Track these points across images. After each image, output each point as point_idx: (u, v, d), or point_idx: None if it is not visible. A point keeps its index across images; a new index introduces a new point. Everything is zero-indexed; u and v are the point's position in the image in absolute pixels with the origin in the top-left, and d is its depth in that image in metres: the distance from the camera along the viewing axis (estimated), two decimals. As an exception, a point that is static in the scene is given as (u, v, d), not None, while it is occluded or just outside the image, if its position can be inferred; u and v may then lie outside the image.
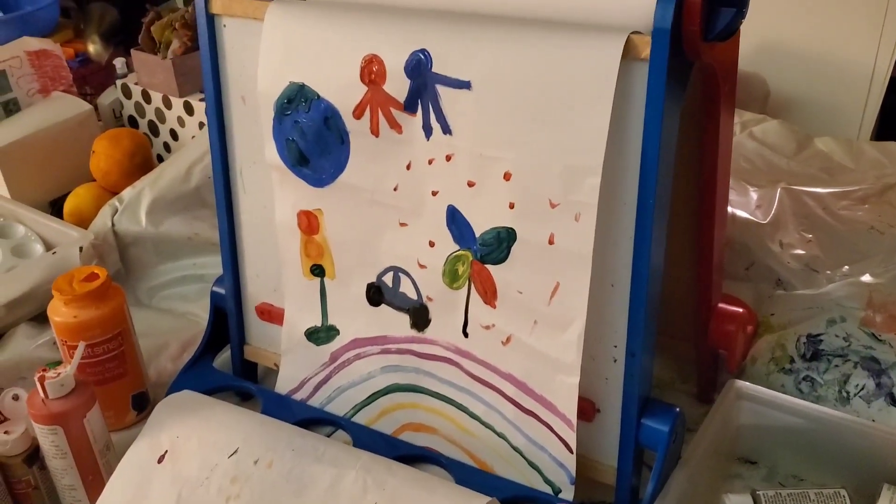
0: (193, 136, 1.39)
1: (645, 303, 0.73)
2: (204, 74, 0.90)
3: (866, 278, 0.98)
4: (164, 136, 1.46)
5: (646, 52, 0.66)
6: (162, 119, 1.44)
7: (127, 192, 1.20)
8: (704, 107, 0.77)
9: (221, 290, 1.01)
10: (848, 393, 0.89)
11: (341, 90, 0.80)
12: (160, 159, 1.44)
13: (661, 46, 0.65)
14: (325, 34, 0.80)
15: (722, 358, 0.96)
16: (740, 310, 0.92)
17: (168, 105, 1.41)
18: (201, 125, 1.38)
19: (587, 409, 0.80)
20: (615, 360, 0.77)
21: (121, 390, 0.98)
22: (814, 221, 1.08)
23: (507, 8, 0.75)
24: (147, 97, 1.44)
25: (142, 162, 1.31)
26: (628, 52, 0.67)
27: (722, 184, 0.83)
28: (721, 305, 0.92)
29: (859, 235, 1.05)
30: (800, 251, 1.05)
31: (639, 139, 0.69)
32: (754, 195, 1.13)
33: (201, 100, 1.37)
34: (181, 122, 1.41)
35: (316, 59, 0.80)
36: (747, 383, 0.89)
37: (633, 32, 0.67)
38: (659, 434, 0.78)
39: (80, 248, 1.13)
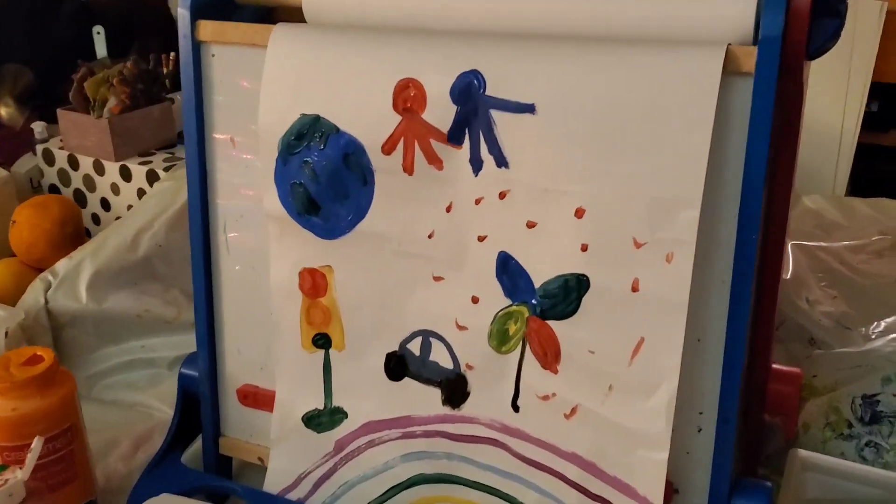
0: (130, 206, 1.23)
1: (742, 359, 0.63)
2: (185, 113, 0.77)
3: (908, 333, 0.91)
4: (94, 206, 1.29)
5: (749, 64, 0.58)
6: (91, 187, 1.27)
7: (62, 265, 1.03)
8: (780, 139, 0.69)
9: (193, 372, 0.85)
10: (919, 458, 0.81)
11: (368, 121, 0.68)
12: (88, 234, 1.26)
13: (771, 57, 0.57)
14: (347, 57, 0.68)
15: (770, 425, 0.86)
16: (797, 370, 0.82)
17: (100, 171, 1.25)
18: (141, 192, 1.22)
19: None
20: (700, 430, 0.66)
21: (69, 500, 0.79)
22: (834, 276, 1.02)
23: (562, 26, 0.65)
24: (74, 162, 1.27)
25: (73, 232, 1.14)
26: (727, 66, 0.58)
27: (785, 223, 0.75)
28: (776, 366, 0.83)
29: (884, 289, 0.99)
30: (829, 308, 0.98)
31: (739, 165, 0.60)
32: (764, 252, 1.06)
33: (142, 163, 1.22)
34: (115, 189, 1.25)
35: (335, 87, 0.69)
36: (813, 453, 0.79)
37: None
38: (754, 515, 0.66)
39: (6, 332, 0.95)
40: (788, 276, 1.01)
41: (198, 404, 0.85)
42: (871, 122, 1.51)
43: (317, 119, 0.69)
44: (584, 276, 0.63)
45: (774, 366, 0.83)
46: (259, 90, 0.72)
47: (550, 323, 0.66)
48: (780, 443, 0.86)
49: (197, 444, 0.88)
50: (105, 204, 1.28)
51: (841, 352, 0.92)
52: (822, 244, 1.07)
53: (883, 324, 0.95)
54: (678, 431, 0.66)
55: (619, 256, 0.62)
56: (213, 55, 0.75)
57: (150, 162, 1.23)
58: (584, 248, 0.63)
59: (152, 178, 1.20)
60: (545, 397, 0.68)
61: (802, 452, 0.80)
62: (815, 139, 1.43)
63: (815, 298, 0.99)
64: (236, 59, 0.75)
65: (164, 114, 1.29)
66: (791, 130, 0.70)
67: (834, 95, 1.43)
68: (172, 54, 1.43)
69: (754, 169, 0.59)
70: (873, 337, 0.94)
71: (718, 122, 0.58)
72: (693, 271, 0.61)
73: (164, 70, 1.39)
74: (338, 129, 0.69)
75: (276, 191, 0.73)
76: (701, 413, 0.66)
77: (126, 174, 1.23)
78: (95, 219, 1.30)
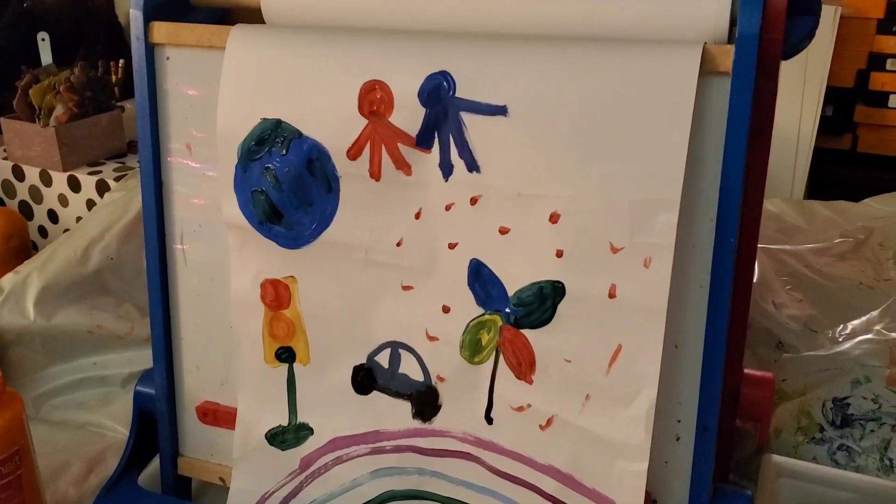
0: (79, 218, 1.18)
1: (721, 365, 0.61)
2: (139, 119, 0.73)
3: (875, 335, 0.91)
4: (40, 218, 1.24)
5: (726, 63, 0.57)
6: (38, 198, 1.22)
7: (7, 280, 0.98)
8: (754, 140, 0.68)
9: (149, 390, 0.81)
10: (891, 460, 0.81)
11: (332, 125, 0.65)
12: (35, 247, 1.21)
13: (748, 55, 0.56)
14: (309, 59, 0.66)
15: (740, 431, 0.86)
16: (770, 374, 0.82)
17: (47, 181, 1.20)
18: (90, 204, 1.17)
19: (641, 502, 0.66)
20: (678, 439, 0.65)
21: (17, 529, 0.75)
22: (800, 280, 1.02)
23: (535, 26, 0.63)
24: (19, 173, 1.22)
25: (19, 245, 1.10)
26: (703, 66, 0.57)
27: (757, 225, 0.74)
28: (748, 371, 0.82)
29: (849, 292, 1.00)
30: (795, 311, 0.97)
31: (717, 166, 0.58)
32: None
33: (92, 173, 1.17)
34: (63, 200, 1.20)
35: (297, 90, 0.66)
36: (787, 458, 0.79)
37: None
38: (735, 524, 0.65)
39: (-52, 350, 0.90)
40: (756, 281, 1.01)
41: (154, 423, 0.81)
42: (826, 126, 1.52)
43: (278, 123, 0.66)
44: (559, 283, 0.62)
45: (746, 370, 0.83)
46: (217, 94, 0.69)
47: (525, 332, 0.64)
48: (750, 449, 0.85)
49: (154, 466, 0.84)
50: (52, 216, 1.23)
51: (809, 355, 0.91)
52: (786, 247, 1.07)
53: (850, 326, 0.95)
54: (656, 440, 0.64)
55: (596, 262, 0.60)
56: (168, 58, 0.72)
57: (100, 172, 1.19)
58: (560, 254, 0.61)
59: (102, 188, 1.16)
60: (520, 408, 0.66)
61: (776, 458, 0.79)
62: (773, 143, 1.43)
63: (781, 302, 0.98)
64: (192, 62, 0.71)
65: (114, 122, 1.25)
66: (764, 131, 0.69)
67: (790, 100, 1.44)
68: (122, 62, 1.38)
69: (732, 170, 0.58)
70: (840, 339, 0.94)
71: (695, 123, 0.57)
72: (671, 276, 0.59)
73: (114, 78, 1.34)
74: (300, 134, 0.66)
75: (237, 199, 0.70)
76: (679, 421, 0.64)
77: (74, 185, 1.18)
78: (42, 231, 1.25)
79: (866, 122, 1.56)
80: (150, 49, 0.72)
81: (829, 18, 1.44)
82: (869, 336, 0.91)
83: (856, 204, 1.22)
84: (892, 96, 1.53)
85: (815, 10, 0.59)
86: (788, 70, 1.45)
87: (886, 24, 1.52)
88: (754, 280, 1.01)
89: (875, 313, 0.96)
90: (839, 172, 1.55)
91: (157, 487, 0.83)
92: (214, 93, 0.69)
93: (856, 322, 0.95)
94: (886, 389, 0.85)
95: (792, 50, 0.60)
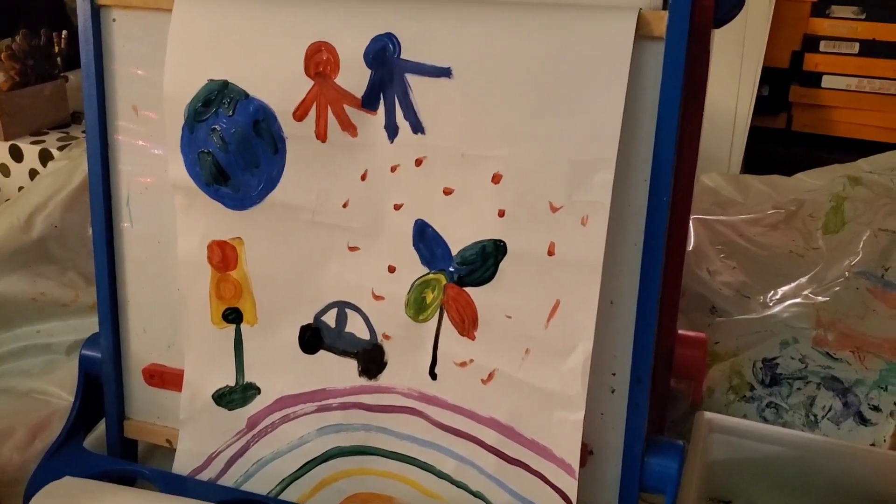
0: (21, 188, 1.17)
1: (654, 320, 0.64)
2: (85, 81, 0.73)
3: (804, 299, 0.95)
4: (-20, 188, 1.22)
5: (660, 28, 0.59)
6: (-23, 168, 1.20)
7: (-52, 247, 0.97)
8: (687, 105, 0.71)
9: (95, 353, 0.81)
10: (815, 416, 0.85)
11: (278, 86, 0.66)
12: (-26, 217, 1.19)
13: (680, 21, 0.58)
14: (256, 20, 0.66)
15: (675, 391, 0.89)
16: (703, 335, 0.85)
17: (-13, 151, 1.18)
18: (33, 173, 1.16)
19: (578, 453, 0.69)
20: (613, 391, 0.67)
21: (-39, 490, 0.75)
22: (733, 248, 1.06)
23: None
24: (-42, 142, 1.20)
25: (-41, 214, 1.08)
26: (639, 30, 0.59)
27: (691, 189, 0.77)
28: (682, 332, 0.85)
29: (780, 259, 1.04)
30: (728, 278, 1.01)
31: (651, 129, 0.61)
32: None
33: (34, 142, 1.16)
34: (5, 170, 1.19)
35: (244, 51, 0.67)
36: (718, 415, 0.82)
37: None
38: (667, 473, 0.68)
39: None
40: (690, 249, 1.04)
41: (100, 387, 0.82)
42: (762, 105, 1.57)
43: (225, 84, 0.67)
44: (501, 241, 0.64)
45: (680, 331, 0.86)
46: (163, 56, 0.69)
47: (468, 290, 0.66)
48: (684, 408, 0.88)
49: (100, 430, 0.84)
50: (-7, 186, 1.21)
51: (741, 319, 0.95)
52: (721, 218, 1.11)
53: (780, 292, 0.99)
54: (592, 393, 0.67)
55: (536, 221, 0.62)
56: (114, 20, 0.72)
57: (43, 142, 1.17)
58: (502, 214, 0.63)
59: (46, 157, 1.15)
60: (462, 364, 0.68)
61: (708, 415, 0.82)
62: (710, 123, 1.47)
63: (715, 269, 1.02)
64: (139, 23, 0.72)
65: (58, 92, 1.23)
66: (698, 96, 0.72)
67: (728, 80, 1.48)
68: (65, 32, 1.36)
69: (666, 132, 0.60)
70: (771, 304, 0.98)
71: (631, 86, 0.59)
72: (607, 234, 0.62)
73: (56, 49, 1.32)
74: (247, 95, 0.67)
75: (183, 160, 0.70)
76: (614, 374, 0.67)
77: (17, 154, 1.17)
78: (-18, 202, 1.23)
79: (801, 101, 1.61)
80: (96, 10, 0.72)
81: (763, 1, 1.48)
82: (798, 300, 0.95)
83: (788, 178, 1.27)
84: (825, 77, 1.58)
85: (744, -21, 0.62)
86: (726, 51, 1.50)
87: (820, 6, 1.57)
88: (689, 248, 1.05)
89: (804, 279, 1.01)
90: (774, 150, 1.60)
91: (104, 451, 0.83)
92: (161, 55, 0.69)
93: (786, 288, 1.00)
94: (813, 349, 0.89)
95: (723, 18, 0.62)
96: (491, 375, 0.67)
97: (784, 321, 0.92)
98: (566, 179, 0.61)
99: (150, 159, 0.74)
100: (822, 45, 1.58)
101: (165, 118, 0.70)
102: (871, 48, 1.55)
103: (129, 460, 0.83)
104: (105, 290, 0.78)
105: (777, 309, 0.94)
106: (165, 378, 0.80)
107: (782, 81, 1.61)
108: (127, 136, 0.74)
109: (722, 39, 1.47)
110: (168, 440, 0.81)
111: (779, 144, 1.62)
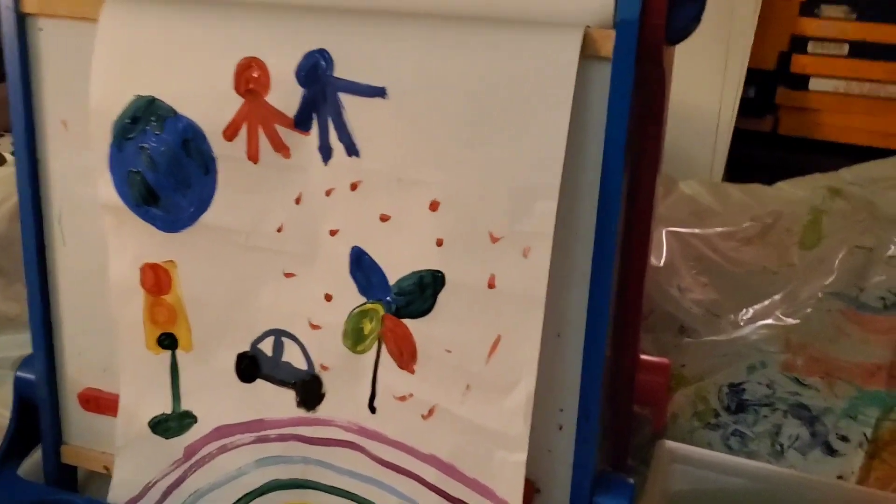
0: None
1: (603, 353, 0.61)
2: (11, 94, 0.70)
3: (774, 320, 0.92)
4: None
5: (607, 48, 0.55)
6: (-69, 171, 1.17)
7: None
8: (645, 124, 0.67)
9: (30, 375, 0.78)
10: (782, 445, 0.81)
11: (207, 104, 0.62)
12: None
13: (628, 40, 0.55)
14: (184, 33, 0.63)
15: (639, 417, 0.86)
16: (665, 360, 0.82)
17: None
18: (-15, 177, 1.12)
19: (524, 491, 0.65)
20: (560, 427, 0.64)
21: None
22: (706, 264, 1.02)
23: (426, 3, 0.61)
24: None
25: None
26: (585, 50, 0.55)
27: (651, 211, 0.74)
28: (644, 357, 0.82)
29: (753, 277, 1.00)
30: (698, 296, 0.98)
31: (598, 153, 0.57)
32: (640, 239, 1.05)
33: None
34: (-43, 173, 1.15)
35: (172, 66, 0.63)
36: (679, 444, 0.79)
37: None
38: (617, 513, 0.65)
39: None
40: (661, 264, 1.01)
41: (37, 410, 0.78)
42: (747, 107, 1.53)
43: (152, 101, 0.63)
44: (439, 272, 0.60)
45: (643, 357, 0.83)
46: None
47: (406, 321, 0.62)
48: (649, 433, 0.85)
49: (37, 455, 0.81)
50: (-53, 190, 1.17)
51: (709, 340, 0.92)
52: (696, 231, 1.07)
53: (751, 310, 0.96)
54: (539, 429, 0.63)
55: (475, 251, 0.59)
56: (41, 29, 0.69)
57: (-4, 144, 1.14)
58: (440, 243, 0.60)
59: (-2, 161, 1.11)
60: (402, 398, 0.64)
61: (669, 444, 0.79)
62: (692, 125, 1.44)
63: (686, 286, 0.98)
64: (66, 34, 0.68)
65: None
66: (655, 115, 0.68)
67: (711, 81, 1.44)
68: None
69: (613, 157, 0.57)
70: (742, 324, 0.94)
71: (576, 109, 0.56)
72: (552, 264, 0.58)
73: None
74: (175, 113, 0.63)
75: (112, 179, 0.67)
76: (562, 410, 0.64)
77: (-31, 157, 1.13)
78: (-63, 206, 1.19)
79: (788, 104, 1.57)
80: (22, 19, 0.68)
81: (750, 0, 1.44)
82: (768, 321, 0.91)
83: (769, 187, 1.23)
84: (812, 79, 1.54)
85: (699, -4, 0.58)
86: (709, 51, 1.45)
87: (809, 6, 1.52)
88: (661, 263, 1.01)
89: (777, 297, 0.97)
90: (760, 154, 1.55)
91: (41, 478, 0.80)
92: (90, 68, 0.65)
93: (757, 306, 0.96)
94: (781, 375, 0.85)
95: (678, 34, 0.59)
96: (431, 411, 0.64)
97: (753, 344, 0.88)
98: (507, 208, 0.57)
99: (82, 177, 0.70)
100: (811, 46, 1.54)
101: (92, 135, 0.66)
102: (861, 49, 1.50)
103: (67, 487, 0.80)
104: (37, 312, 0.75)
105: (747, 330, 0.91)
106: (102, 403, 0.76)
107: (769, 83, 1.57)
108: (56, 151, 0.71)
109: (706, 39, 1.43)
110: (106, 467, 0.77)
111: (764, 148, 1.58)
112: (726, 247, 1.05)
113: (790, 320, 0.90)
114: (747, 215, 1.13)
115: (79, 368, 0.76)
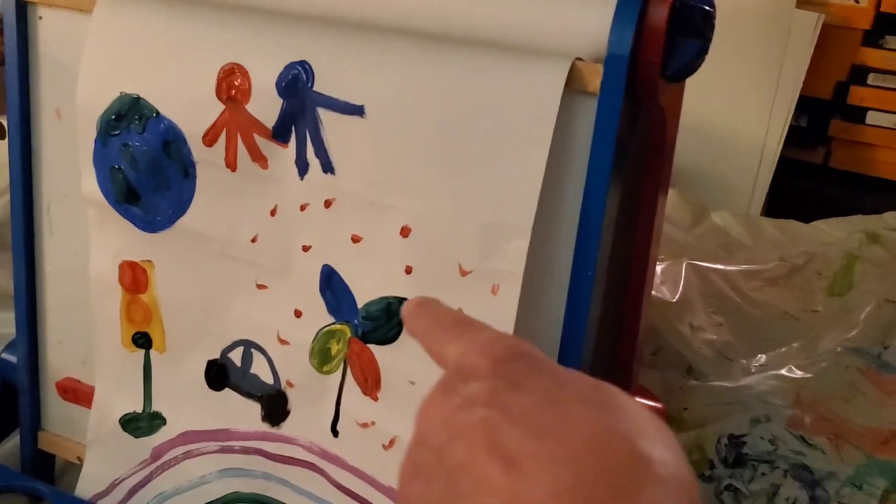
0: None
1: (571, 402, 0.57)
2: (8, 80, 0.69)
3: (786, 371, 0.87)
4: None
5: (594, 83, 0.52)
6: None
7: None
8: (645, 161, 0.64)
9: (13, 358, 0.78)
10: (776, 507, 0.77)
11: (189, 107, 0.61)
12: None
13: (617, 77, 0.51)
14: (174, 34, 0.61)
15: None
16: (660, 405, 0.78)
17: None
18: None
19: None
20: (526, 473, 0.61)
21: None
22: (723, 303, 0.97)
23: (412, 21, 0.59)
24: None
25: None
26: (571, 83, 0.52)
27: (654, 252, 0.70)
28: (640, 400, 0.78)
29: (773, 321, 0.95)
30: (711, 336, 0.93)
31: (578, 193, 0.54)
32: (657, 269, 1.01)
33: None
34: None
35: (159, 66, 0.62)
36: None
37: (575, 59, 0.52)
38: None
39: None
40: (675, 299, 0.96)
41: (17, 394, 0.78)
42: (798, 137, 1.46)
43: (137, 100, 0.62)
44: (406, 300, 0.57)
45: (639, 399, 0.79)
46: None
47: (371, 347, 0.60)
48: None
49: (14, 441, 0.81)
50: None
51: (716, 385, 0.87)
52: (718, 266, 1.02)
53: (763, 357, 0.91)
54: (504, 472, 0.60)
55: (444, 283, 0.56)
56: (41, 17, 0.68)
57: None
58: (409, 271, 0.57)
59: None
60: (364, 425, 0.62)
61: (656, 493, 0.75)
62: (735, 152, 1.38)
63: (698, 324, 0.94)
64: (64, 24, 0.67)
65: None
66: (657, 154, 0.64)
67: (759, 108, 1.38)
68: None
69: (594, 198, 0.53)
70: (753, 371, 0.89)
71: (559, 145, 0.53)
72: (524, 305, 0.55)
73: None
74: (157, 113, 0.62)
75: (95, 174, 0.66)
76: (528, 455, 0.60)
77: (-3, 131, 1.14)
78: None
79: (841, 136, 1.50)
80: (23, 6, 0.68)
81: (808, 26, 1.37)
82: (780, 372, 0.86)
83: (806, 225, 1.17)
84: (870, 112, 1.46)
85: (704, 32, 0.54)
86: (759, 76, 1.39)
87: (873, 36, 1.45)
88: (675, 299, 0.97)
89: (794, 346, 0.92)
90: (807, 186, 1.49)
91: (17, 465, 0.80)
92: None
93: (772, 353, 0.91)
94: (785, 431, 0.81)
95: (680, 72, 0.55)
96: (392, 442, 0.61)
97: (759, 395, 0.83)
98: (477, 243, 0.54)
99: (71, 167, 0.70)
100: (871, 78, 1.46)
101: (78, 128, 0.65)
102: (924, 85, 1.43)
103: (43, 475, 0.80)
104: (22, 299, 0.75)
105: (756, 379, 0.86)
106: (79, 394, 0.76)
107: (823, 113, 1.50)
108: (49, 140, 0.70)
109: (756, 64, 1.37)
110: (79, 457, 0.77)
111: (814, 180, 1.51)
112: (748, 286, 1.00)
113: (803, 373, 0.85)
114: (777, 253, 1.07)
115: (59, 357, 0.76)
